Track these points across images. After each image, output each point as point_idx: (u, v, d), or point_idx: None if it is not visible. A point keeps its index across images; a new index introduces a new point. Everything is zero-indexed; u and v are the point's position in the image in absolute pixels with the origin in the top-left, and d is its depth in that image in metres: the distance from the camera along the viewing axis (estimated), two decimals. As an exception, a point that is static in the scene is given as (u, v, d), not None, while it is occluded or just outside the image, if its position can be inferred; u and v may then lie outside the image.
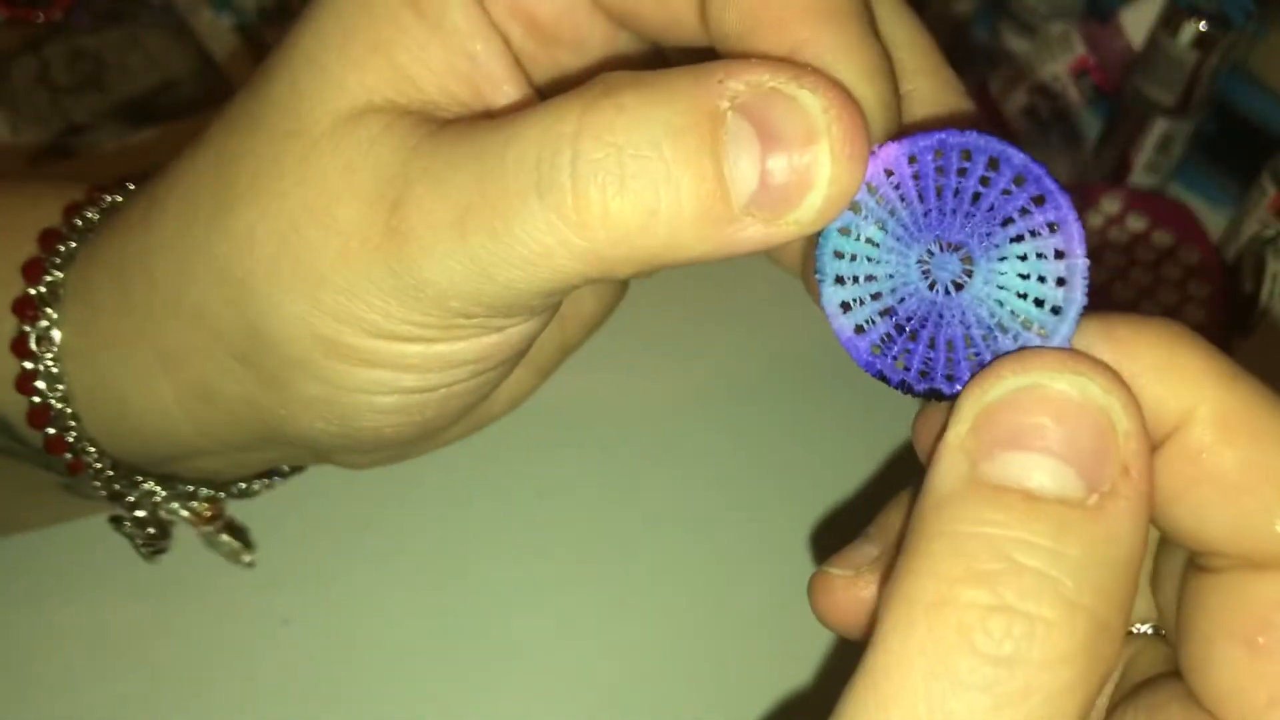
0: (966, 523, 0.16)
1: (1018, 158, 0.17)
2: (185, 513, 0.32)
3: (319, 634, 0.36)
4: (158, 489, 0.30)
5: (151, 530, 0.32)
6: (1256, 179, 0.46)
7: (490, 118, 0.20)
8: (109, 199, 0.27)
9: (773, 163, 0.17)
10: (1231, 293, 0.46)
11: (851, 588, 0.21)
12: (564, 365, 0.43)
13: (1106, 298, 0.45)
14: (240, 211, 0.21)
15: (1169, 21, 0.46)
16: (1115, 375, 0.16)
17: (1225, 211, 0.50)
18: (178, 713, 0.34)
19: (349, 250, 0.20)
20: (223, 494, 0.32)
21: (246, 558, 0.36)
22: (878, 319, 0.19)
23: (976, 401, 0.17)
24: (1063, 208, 0.17)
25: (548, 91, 0.23)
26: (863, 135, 0.18)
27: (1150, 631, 0.21)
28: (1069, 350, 0.17)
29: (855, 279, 0.19)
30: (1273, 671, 0.16)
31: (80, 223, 0.26)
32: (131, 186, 0.27)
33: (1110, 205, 0.48)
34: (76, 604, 0.35)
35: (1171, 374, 0.17)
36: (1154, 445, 0.17)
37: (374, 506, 0.39)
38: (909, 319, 0.19)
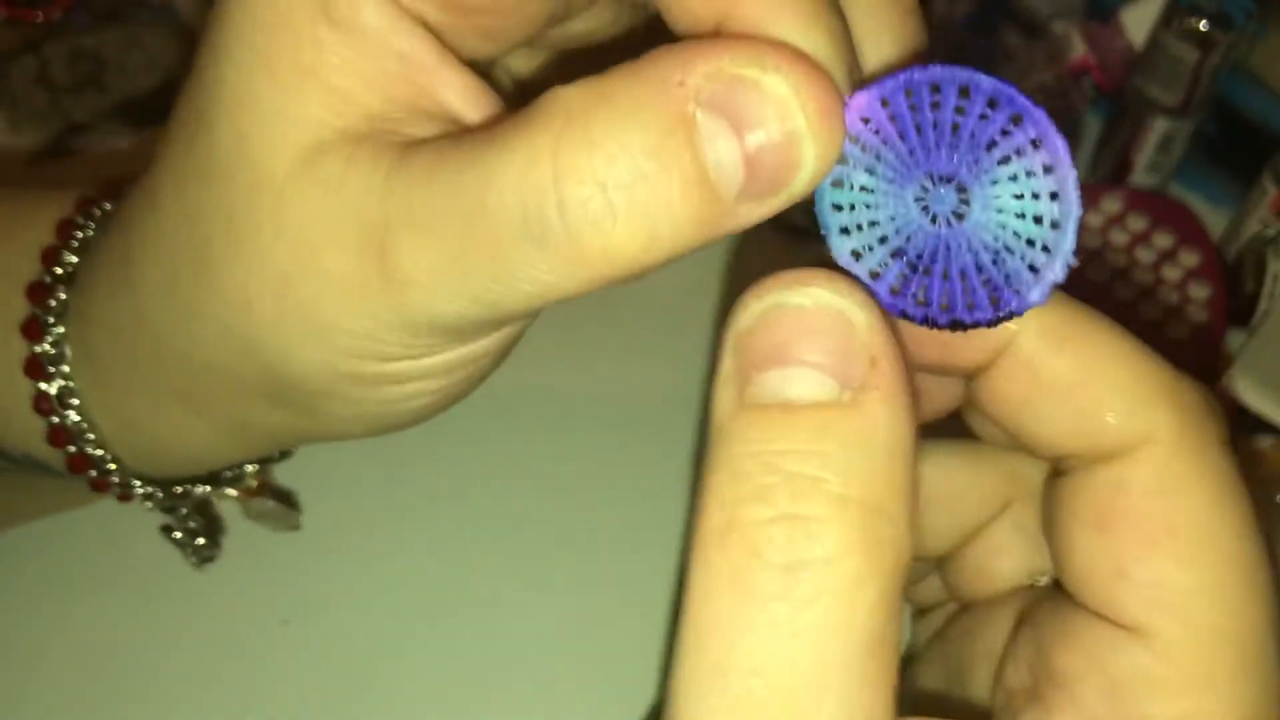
0: (738, 445, 0.17)
1: (986, 82, 0.17)
2: (234, 492, 0.32)
3: (319, 634, 0.36)
4: (206, 487, 0.31)
5: (201, 540, 0.33)
6: (1257, 179, 0.45)
7: (450, 135, 0.19)
8: (80, 235, 0.26)
9: (754, 152, 0.17)
10: (1232, 292, 0.46)
11: None
12: (570, 364, 0.43)
13: (1107, 297, 0.45)
14: (226, 272, 0.21)
15: (1169, 21, 0.46)
16: (846, 280, 0.18)
17: (1226, 211, 0.50)
18: (178, 713, 0.34)
19: (350, 298, 0.20)
20: (266, 464, 0.32)
21: (296, 519, 0.36)
22: (890, 261, 0.19)
23: (731, 333, 0.18)
24: (1042, 123, 0.17)
25: (484, 65, 0.23)
26: (837, 103, 0.17)
27: (1048, 582, 0.22)
28: (806, 270, 0.18)
29: (859, 226, 0.19)
30: (1117, 547, 0.18)
31: (62, 271, 0.26)
32: (99, 214, 0.27)
33: (1111, 205, 0.48)
34: (76, 604, 0.35)
35: None
36: (991, 358, 0.19)
37: (373, 507, 0.39)
38: (919, 256, 0.19)
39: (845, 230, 0.19)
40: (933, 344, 0.20)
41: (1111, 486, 0.18)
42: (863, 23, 0.20)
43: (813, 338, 0.17)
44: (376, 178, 0.19)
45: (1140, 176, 0.50)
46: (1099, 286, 0.45)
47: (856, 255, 0.19)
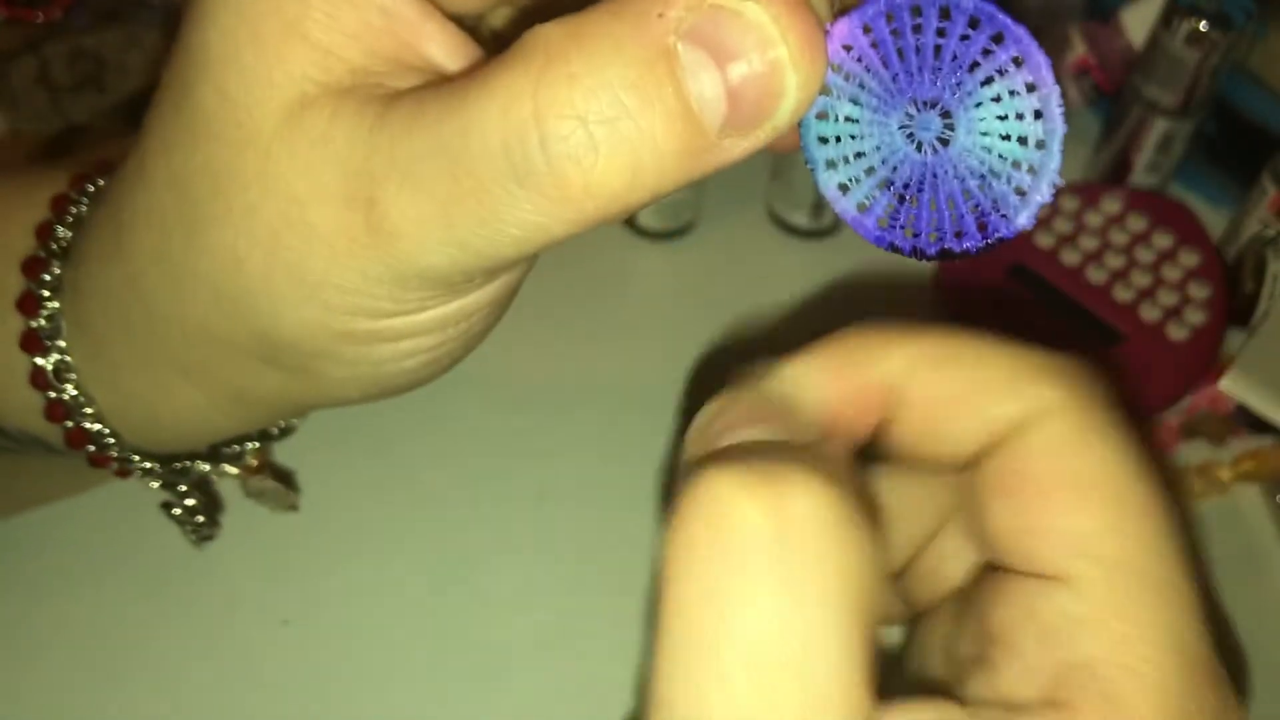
0: (710, 461, 0.17)
1: (966, 1, 0.17)
2: (235, 470, 0.32)
3: (319, 634, 0.36)
4: (205, 465, 0.31)
5: (200, 518, 0.33)
6: (1257, 179, 0.46)
7: (431, 84, 0.20)
8: (74, 211, 0.26)
9: (736, 84, 0.17)
10: (1232, 293, 0.46)
11: None
12: (567, 361, 0.43)
13: (1106, 299, 0.45)
14: (215, 232, 0.21)
15: (1169, 21, 0.46)
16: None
17: (1225, 211, 0.50)
18: (178, 713, 0.34)
19: (338, 252, 0.20)
20: (266, 441, 0.32)
21: (295, 499, 0.36)
22: (877, 193, 0.19)
23: (693, 428, 0.19)
24: (1023, 40, 0.17)
25: (469, 21, 0.23)
26: (819, 31, 0.17)
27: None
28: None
29: (845, 159, 0.19)
30: (1026, 506, 0.19)
31: (56, 245, 0.26)
32: (92, 189, 0.27)
33: (1111, 205, 0.48)
34: (76, 603, 0.35)
35: (867, 357, 0.20)
36: (890, 409, 0.20)
37: (373, 506, 0.39)
38: (906, 186, 0.19)
39: (832, 163, 0.19)
40: (848, 416, 0.21)
41: (1014, 458, 0.19)
42: None
43: (767, 412, 0.19)
44: (361, 131, 0.19)
45: (1140, 176, 0.50)
46: (1099, 287, 0.45)
47: (844, 188, 0.19)
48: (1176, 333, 0.44)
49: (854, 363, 0.20)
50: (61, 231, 0.26)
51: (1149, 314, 0.45)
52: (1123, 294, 0.45)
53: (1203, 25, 0.45)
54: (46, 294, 0.26)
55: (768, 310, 0.46)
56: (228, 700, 0.34)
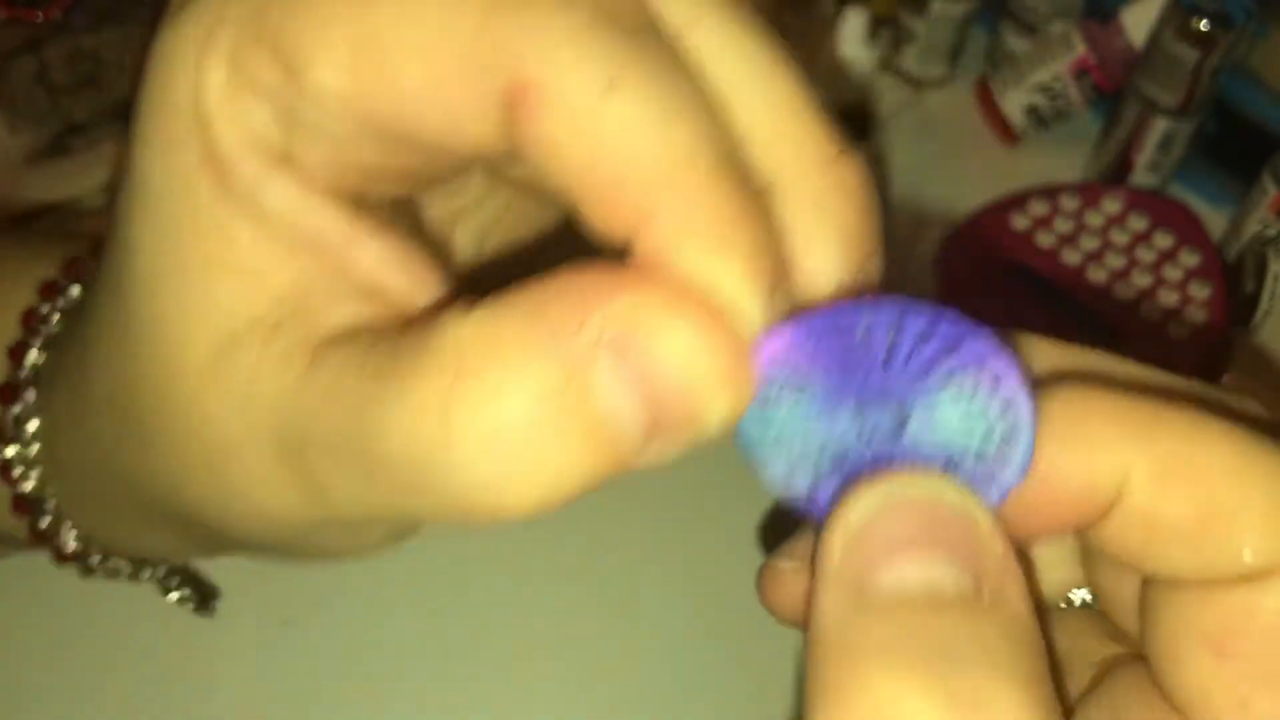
0: (880, 638, 0.16)
1: (920, 317, 0.17)
2: None
3: (319, 634, 0.36)
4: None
5: (200, 596, 0.33)
6: (1257, 179, 0.46)
7: (358, 340, 0.19)
8: (44, 330, 0.26)
9: (655, 404, 0.16)
10: (1232, 293, 0.46)
11: (800, 579, 0.20)
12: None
13: (1106, 299, 0.45)
14: (162, 444, 0.21)
15: (1170, 21, 0.46)
16: (953, 479, 0.17)
17: (1226, 211, 0.50)
18: (178, 713, 0.34)
19: (275, 491, 0.20)
20: None
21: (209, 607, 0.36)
22: (824, 478, 0.18)
23: (842, 528, 0.17)
24: (981, 347, 0.17)
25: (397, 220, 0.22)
26: (745, 354, 0.17)
27: (1089, 600, 0.21)
28: (916, 468, 0.17)
29: (788, 447, 0.18)
30: (1241, 676, 0.17)
31: (29, 371, 0.26)
32: (64, 304, 0.26)
33: (1111, 205, 0.48)
34: (76, 604, 0.35)
35: (1092, 447, 0.17)
36: (1099, 516, 0.17)
37: (374, 507, 0.39)
38: (858, 471, 0.18)
39: (772, 450, 0.18)
40: (1036, 516, 0.18)
41: (1239, 611, 0.17)
42: (804, 222, 0.19)
43: (944, 531, 0.16)
44: (287, 382, 0.19)
45: (1140, 176, 0.50)
46: (1099, 287, 0.45)
47: (786, 474, 0.18)
48: (1176, 333, 0.44)
49: (1080, 442, 0.17)
50: (33, 356, 0.26)
51: (1149, 313, 0.45)
52: (1123, 294, 0.45)
53: (1203, 25, 0.45)
54: (15, 423, 0.26)
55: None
56: (228, 700, 0.34)
